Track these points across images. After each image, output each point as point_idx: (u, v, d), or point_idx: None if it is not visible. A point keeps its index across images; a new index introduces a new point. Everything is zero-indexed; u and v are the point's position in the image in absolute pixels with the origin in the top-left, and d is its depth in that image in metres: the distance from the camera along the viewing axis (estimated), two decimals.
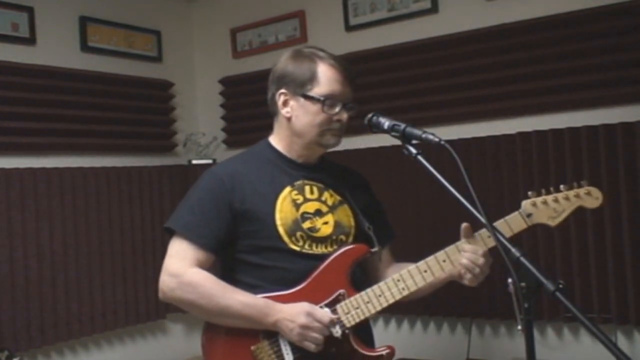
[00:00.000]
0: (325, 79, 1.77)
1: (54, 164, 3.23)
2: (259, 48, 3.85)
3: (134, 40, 3.75)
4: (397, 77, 3.27)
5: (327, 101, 1.75)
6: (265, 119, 3.73)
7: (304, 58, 1.81)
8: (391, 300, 1.73)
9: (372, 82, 3.32)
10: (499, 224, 1.69)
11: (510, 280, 1.33)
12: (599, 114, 2.74)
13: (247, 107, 3.90)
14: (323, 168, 1.90)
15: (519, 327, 1.32)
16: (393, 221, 3.38)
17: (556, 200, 1.69)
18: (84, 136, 3.42)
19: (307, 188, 1.83)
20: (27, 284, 3.04)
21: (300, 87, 1.78)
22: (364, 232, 1.86)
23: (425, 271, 1.72)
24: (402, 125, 1.64)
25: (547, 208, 1.69)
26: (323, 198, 1.84)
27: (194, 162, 3.82)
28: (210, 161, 3.83)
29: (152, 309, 3.58)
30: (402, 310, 3.21)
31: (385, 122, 1.69)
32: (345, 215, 1.86)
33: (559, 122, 2.81)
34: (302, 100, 1.78)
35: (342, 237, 1.83)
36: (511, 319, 2.89)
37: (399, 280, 1.72)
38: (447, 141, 1.52)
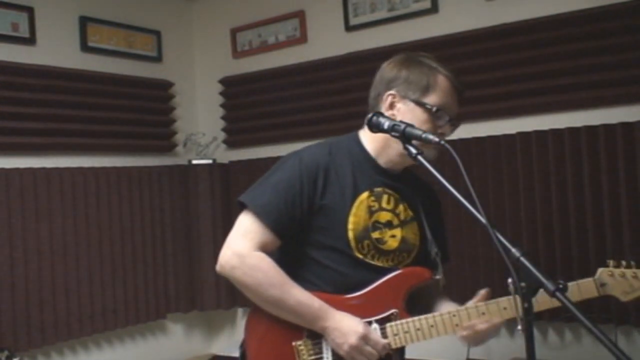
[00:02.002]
0: (441, 90, 1.75)
1: (54, 164, 3.24)
2: (259, 48, 3.85)
3: (134, 40, 3.75)
4: None
5: (438, 112, 1.73)
6: (265, 118, 3.77)
7: (421, 65, 1.78)
8: (442, 334, 1.72)
9: (372, 82, 3.31)
10: (569, 284, 1.65)
11: (510, 280, 1.33)
12: (599, 114, 2.74)
13: (247, 107, 3.90)
14: (404, 179, 1.86)
15: (519, 327, 1.32)
16: None
17: (635, 277, 1.63)
18: (84, 136, 3.43)
19: (385, 197, 1.79)
20: (27, 284, 3.04)
21: (413, 91, 1.75)
22: (425, 253, 1.83)
23: (483, 314, 1.70)
24: (402, 125, 1.63)
25: (624, 282, 1.64)
26: (397, 210, 1.80)
27: (194, 162, 3.82)
28: (210, 161, 3.83)
29: (152, 309, 3.58)
30: None
31: (385, 122, 1.68)
32: (413, 233, 1.83)
33: (559, 122, 2.81)
34: (412, 104, 1.75)
35: (405, 254, 1.80)
36: (511, 319, 2.89)
37: (454, 316, 1.70)
38: (447, 141, 1.52)
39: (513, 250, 1.35)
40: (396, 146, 1.75)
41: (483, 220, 1.41)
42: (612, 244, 2.66)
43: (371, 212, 1.76)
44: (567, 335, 2.86)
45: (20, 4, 3.19)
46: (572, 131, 2.76)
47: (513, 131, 2.91)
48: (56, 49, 3.35)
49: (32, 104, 3.20)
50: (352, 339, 1.64)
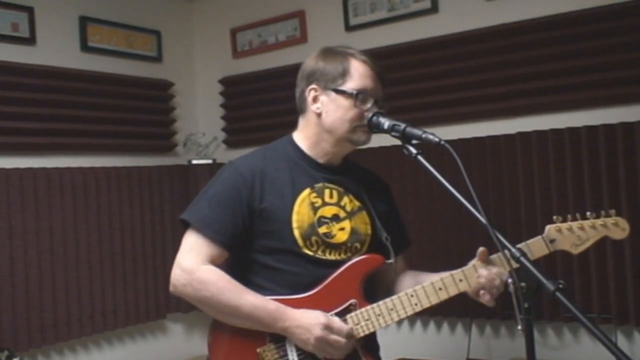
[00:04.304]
0: (358, 74, 1.74)
1: (54, 164, 3.23)
2: (259, 48, 3.85)
3: (134, 40, 3.75)
4: (397, 77, 3.27)
5: (359, 95, 1.72)
6: (265, 118, 3.77)
7: (335, 54, 1.79)
8: (403, 316, 1.71)
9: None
10: (520, 247, 1.66)
11: (510, 280, 1.33)
12: (599, 114, 2.74)
13: (247, 107, 3.90)
14: (345, 171, 1.86)
15: (519, 327, 1.32)
16: None
17: (582, 228, 1.65)
18: (84, 136, 3.43)
19: (327, 191, 1.79)
20: (27, 284, 3.04)
21: (332, 81, 1.75)
22: (379, 240, 1.83)
23: (440, 289, 1.69)
24: (402, 125, 1.64)
25: (571, 235, 1.65)
26: (342, 203, 1.80)
27: (194, 162, 3.82)
28: (210, 161, 3.83)
29: (152, 309, 3.58)
30: None
31: (385, 122, 1.68)
32: (363, 223, 1.83)
33: (559, 122, 2.81)
34: (333, 94, 1.75)
35: (357, 244, 1.80)
36: (511, 319, 2.89)
37: (412, 296, 1.70)
38: (447, 141, 1.51)
39: (513, 250, 1.35)
40: (328, 137, 1.79)
41: (483, 220, 1.41)
42: (612, 243, 2.66)
43: (315, 208, 1.76)
44: (566, 335, 2.86)
45: (20, 4, 3.19)
46: (572, 131, 2.76)
47: (513, 131, 2.91)
48: (56, 49, 3.35)
49: (32, 104, 3.20)
50: (317, 331, 1.63)
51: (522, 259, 1.32)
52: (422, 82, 3.21)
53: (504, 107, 2.99)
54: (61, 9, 3.40)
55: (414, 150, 1.61)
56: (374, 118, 1.72)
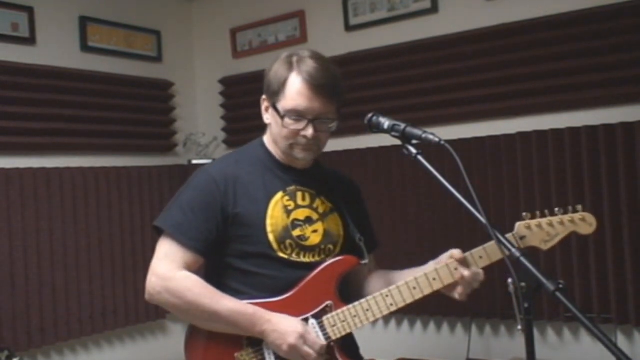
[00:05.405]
0: (291, 92, 1.69)
1: (54, 164, 3.24)
2: (259, 48, 3.85)
3: (134, 40, 3.75)
4: (397, 77, 3.27)
5: (289, 115, 1.70)
6: None
7: (284, 65, 1.74)
8: (378, 316, 1.71)
9: (372, 82, 3.33)
10: (490, 245, 1.67)
11: (510, 280, 1.33)
12: (599, 114, 2.74)
13: (247, 107, 3.89)
14: (316, 174, 1.86)
15: (519, 327, 1.32)
16: (393, 221, 3.37)
17: (551, 225, 1.68)
18: (84, 136, 3.43)
19: (299, 194, 1.80)
20: (27, 284, 3.04)
21: (273, 96, 1.74)
22: (352, 242, 1.84)
23: (415, 288, 1.70)
24: (402, 125, 1.63)
25: (541, 231, 1.68)
26: (314, 205, 1.81)
27: (194, 162, 3.81)
28: (210, 161, 3.81)
29: (152, 309, 3.58)
30: (402, 309, 3.20)
31: (385, 122, 1.68)
32: (335, 224, 1.83)
33: (559, 122, 2.81)
34: (272, 109, 1.75)
35: (331, 246, 1.80)
36: (511, 319, 2.89)
37: (387, 296, 1.70)
38: (447, 141, 1.51)
39: (513, 250, 1.35)
40: (277, 149, 1.79)
41: (483, 220, 1.41)
42: (612, 243, 2.66)
43: (288, 211, 1.76)
44: (566, 335, 2.86)
45: (20, 4, 3.19)
46: (572, 131, 2.76)
47: (513, 131, 2.91)
48: (56, 49, 3.35)
49: (32, 104, 3.20)
50: (291, 339, 1.63)
51: (522, 259, 1.32)
52: (422, 82, 3.21)
53: (504, 107, 2.99)
54: (61, 9, 3.40)
55: (414, 150, 1.61)
56: (374, 118, 1.71)
